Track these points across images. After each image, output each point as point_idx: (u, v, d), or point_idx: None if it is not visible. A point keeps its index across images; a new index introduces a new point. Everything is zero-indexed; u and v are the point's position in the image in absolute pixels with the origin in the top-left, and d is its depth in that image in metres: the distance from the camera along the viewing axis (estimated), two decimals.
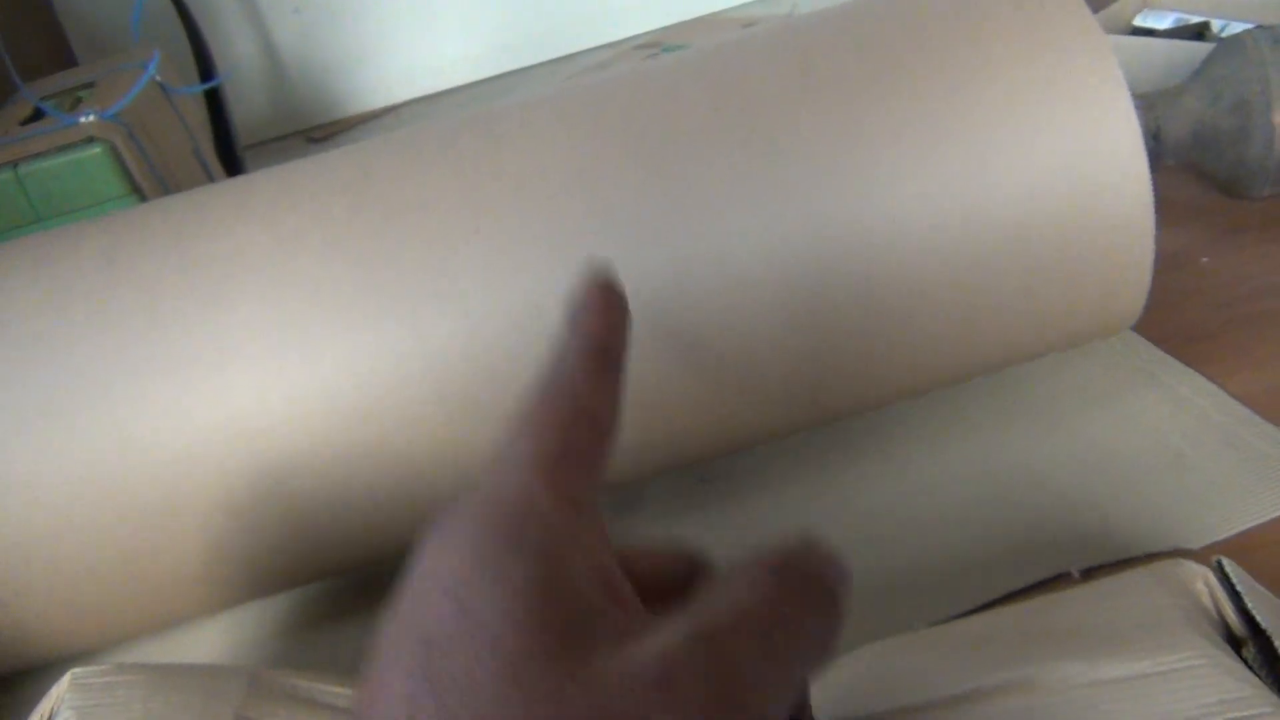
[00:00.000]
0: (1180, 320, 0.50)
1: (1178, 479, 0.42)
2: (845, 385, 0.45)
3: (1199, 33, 0.69)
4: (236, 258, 0.43)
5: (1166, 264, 0.54)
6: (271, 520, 0.43)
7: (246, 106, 1.09)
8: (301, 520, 0.43)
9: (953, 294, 0.43)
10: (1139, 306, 0.44)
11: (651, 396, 0.42)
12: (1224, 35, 0.66)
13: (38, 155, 0.58)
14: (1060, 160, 0.41)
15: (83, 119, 0.59)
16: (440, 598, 0.16)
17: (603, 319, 0.21)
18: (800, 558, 0.18)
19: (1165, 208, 0.59)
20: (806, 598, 0.17)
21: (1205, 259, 0.55)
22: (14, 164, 0.58)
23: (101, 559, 0.42)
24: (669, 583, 0.20)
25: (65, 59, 1.06)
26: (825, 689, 0.29)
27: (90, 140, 0.58)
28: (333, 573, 0.48)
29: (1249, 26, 0.65)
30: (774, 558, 0.18)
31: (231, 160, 0.88)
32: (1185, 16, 0.71)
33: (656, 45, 1.10)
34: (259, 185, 0.46)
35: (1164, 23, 0.72)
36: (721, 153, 0.42)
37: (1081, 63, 0.41)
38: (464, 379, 0.41)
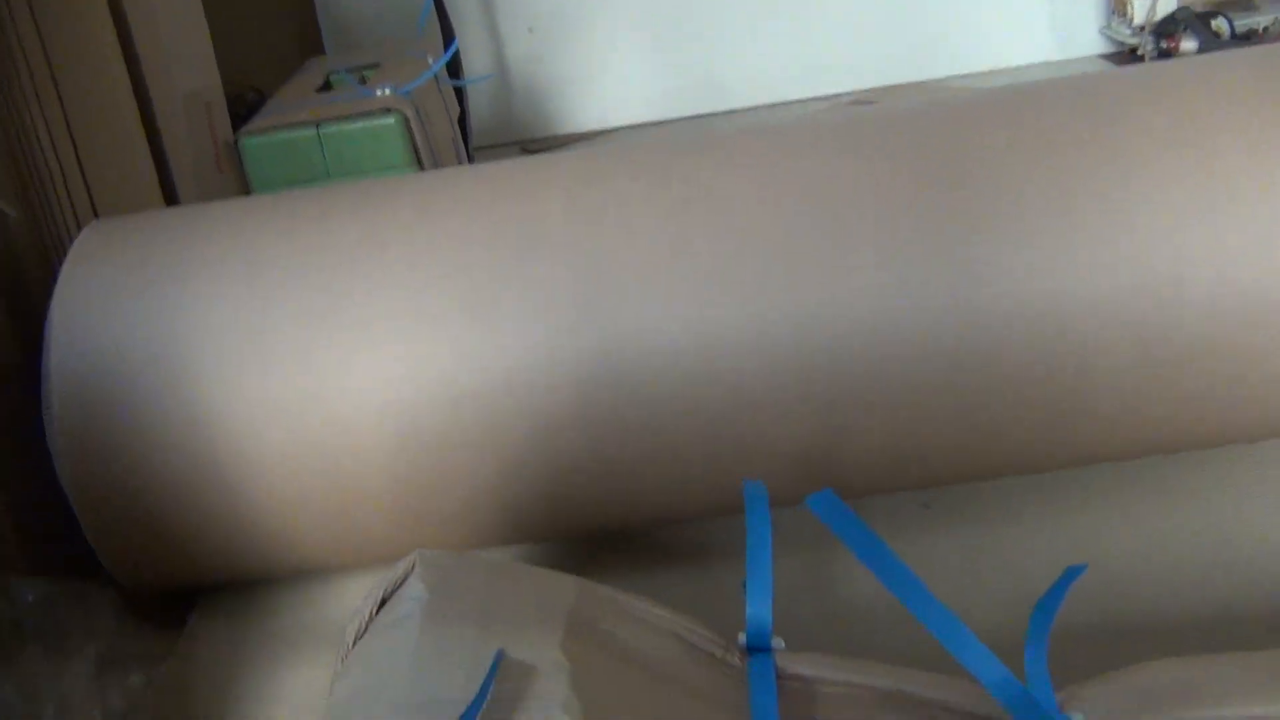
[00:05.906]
0: None
1: None
2: (1098, 425, 0.45)
3: None
4: (540, 220, 0.46)
5: None
6: (531, 470, 0.46)
7: (473, 113, 1.15)
8: (558, 475, 0.46)
9: (1226, 355, 0.43)
10: None
11: (909, 408, 0.44)
12: None
13: (337, 118, 0.63)
14: None
15: (379, 92, 0.64)
16: None
17: None
18: None
19: None
20: None
21: None
22: (316, 124, 0.63)
23: (380, 485, 0.46)
24: None
25: (312, 47, 1.15)
26: (1125, 691, 0.30)
27: (387, 111, 0.63)
28: (579, 532, 0.50)
29: None
30: None
31: (466, 155, 0.94)
32: None
33: (868, 103, 1.12)
34: (559, 162, 0.50)
35: None
36: (1019, 189, 0.43)
37: None
38: (734, 363, 0.44)
